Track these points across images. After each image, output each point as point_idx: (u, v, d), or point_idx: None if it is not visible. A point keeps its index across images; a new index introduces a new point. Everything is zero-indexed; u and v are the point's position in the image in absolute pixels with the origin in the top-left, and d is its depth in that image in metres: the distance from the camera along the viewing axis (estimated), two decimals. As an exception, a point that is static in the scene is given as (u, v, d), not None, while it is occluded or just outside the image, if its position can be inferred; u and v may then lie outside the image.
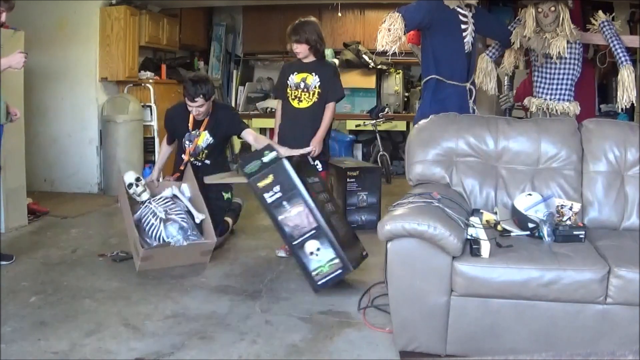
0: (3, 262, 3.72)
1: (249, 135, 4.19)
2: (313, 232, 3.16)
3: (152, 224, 3.72)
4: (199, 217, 3.88)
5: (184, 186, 4.04)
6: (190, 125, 4.15)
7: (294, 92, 3.95)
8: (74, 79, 6.09)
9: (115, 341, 2.70)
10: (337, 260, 3.16)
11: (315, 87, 3.91)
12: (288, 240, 3.24)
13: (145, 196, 3.89)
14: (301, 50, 3.88)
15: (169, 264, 3.66)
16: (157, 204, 3.83)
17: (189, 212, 3.90)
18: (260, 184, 3.22)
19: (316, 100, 3.92)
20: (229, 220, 4.41)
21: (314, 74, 3.92)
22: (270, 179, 3.20)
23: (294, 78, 3.94)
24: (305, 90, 3.92)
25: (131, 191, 3.90)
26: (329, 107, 3.94)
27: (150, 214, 3.76)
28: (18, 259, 3.86)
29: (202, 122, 4.16)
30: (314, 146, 3.85)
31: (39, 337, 2.72)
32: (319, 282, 3.19)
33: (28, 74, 5.02)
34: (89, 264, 3.84)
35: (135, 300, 3.20)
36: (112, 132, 6.03)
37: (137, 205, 3.89)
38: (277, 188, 3.20)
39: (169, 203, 3.87)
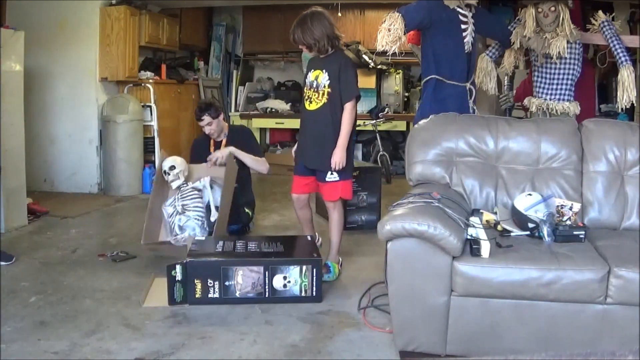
0: (3, 263, 3.72)
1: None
2: (267, 272, 3.13)
3: (170, 213, 3.94)
4: (214, 215, 3.95)
5: (216, 193, 4.10)
6: (211, 149, 4.47)
7: (307, 92, 3.56)
8: (74, 79, 6.09)
9: (115, 341, 2.70)
10: (305, 266, 3.16)
11: (324, 87, 3.45)
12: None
13: (175, 184, 4.03)
14: (305, 49, 3.55)
15: (172, 253, 3.75)
16: (182, 195, 3.96)
17: (208, 208, 3.99)
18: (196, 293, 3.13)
19: (325, 101, 3.45)
20: None
21: (324, 70, 3.48)
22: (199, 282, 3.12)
23: (310, 76, 3.55)
24: (315, 89, 3.50)
25: (165, 178, 4.08)
26: (346, 109, 3.43)
27: (172, 204, 3.96)
28: (18, 258, 3.86)
29: (221, 143, 4.47)
30: (335, 160, 3.40)
31: (39, 337, 2.72)
32: (315, 294, 3.18)
33: (28, 74, 5.02)
34: (89, 264, 3.84)
35: (135, 300, 3.20)
36: (112, 132, 6.04)
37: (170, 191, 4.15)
38: (210, 282, 3.12)
39: (194, 197, 3.97)
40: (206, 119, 4.38)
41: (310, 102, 3.51)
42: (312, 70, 3.55)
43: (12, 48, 4.58)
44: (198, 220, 3.90)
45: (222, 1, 7.83)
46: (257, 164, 4.45)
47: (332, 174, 3.46)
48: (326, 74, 3.46)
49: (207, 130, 4.45)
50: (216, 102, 4.80)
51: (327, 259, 3.57)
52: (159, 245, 3.99)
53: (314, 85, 3.50)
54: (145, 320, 2.94)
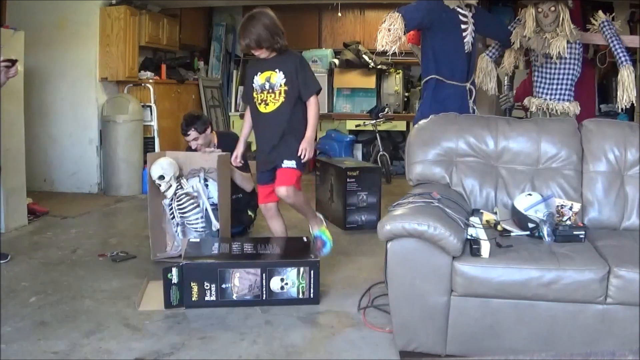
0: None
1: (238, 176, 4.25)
2: (264, 274, 3.12)
3: (173, 223, 3.90)
4: (216, 225, 3.88)
5: (212, 186, 3.97)
6: None
7: (260, 96, 3.41)
8: (74, 79, 6.09)
9: (115, 341, 2.70)
10: (303, 268, 3.15)
11: (280, 86, 3.36)
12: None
13: (170, 192, 3.83)
14: (259, 52, 3.37)
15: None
16: (179, 205, 3.84)
17: (207, 216, 3.90)
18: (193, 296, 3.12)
19: (283, 100, 3.37)
20: None
21: (277, 70, 3.36)
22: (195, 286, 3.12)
23: (258, 79, 3.41)
24: (270, 91, 3.38)
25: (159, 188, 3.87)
26: (311, 105, 3.41)
27: (170, 213, 3.88)
28: (18, 259, 3.86)
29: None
30: (304, 147, 3.39)
31: (39, 337, 2.72)
32: (312, 296, 3.18)
33: (28, 74, 5.02)
34: (89, 264, 3.84)
35: (135, 300, 3.20)
36: (112, 132, 6.04)
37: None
38: (206, 285, 3.12)
39: (192, 207, 3.86)
40: (192, 134, 4.19)
41: (267, 104, 3.41)
42: (259, 73, 3.41)
43: (12, 48, 4.57)
44: (202, 232, 3.86)
45: (222, 1, 7.83)
46: (244, 181, 4.30)
47: (290, 160, 3.40)
48: (280, 72, 3.37)
49: (193, 145, 4.23)
50: (204, 115, 4.53)
51: (313, 231, 3.64)
52: (170, 259, 3.85)
53: (267, 87, 3.39)
54: (145, 321, 2.94)
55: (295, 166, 3.42)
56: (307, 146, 3.40)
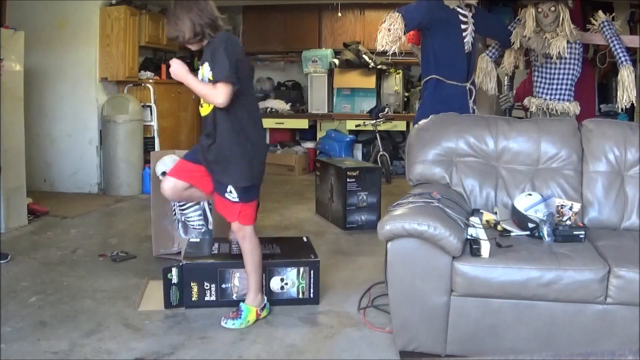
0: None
1: None
2: (264, 274, 3.10)
3: (174, 221, 3.93)
4: (212, 224, 3.89)
5: None
6: None
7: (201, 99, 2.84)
8: (74, 79, 6.09)
9: (115, 341, 2.70)
10: (302, 268, 3.16)
11: (208, 81, 2.70)
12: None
13: None
14: (190, 45, 2.81)
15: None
16: (180, 205, 3.87)
17: (205, 214, 3.92)
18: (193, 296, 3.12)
19: None
20: None
21: (204, 62, 2.75)
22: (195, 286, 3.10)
23: (199, 74, 2.79)
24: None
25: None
26: (216, 87, 2.64)
27: (173, 210, 3.91)
28: (18, 259, 3.86)
29: None
30: (174, 70, 2.74)
31: (39, 337, 2.72)
32: (312, 296, 3.18)
33: (28, 74, 5.02)
34: (89, 264, 3.84)
35: (135, 300, 3.20)
36: (112, 132, 6.04)
37: None
38: (206, 285, 3.13)
39: (193, 208, 3.88)
40: None
41: (201, 105, 2.86)
42: (201, 66, 2.78)
43: (12, 48, 4.58)
44: (200, 230, 3.88)
45: (222, 1, 7.81)
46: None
47: (230, 192, 2.80)
48: (206, 64, 2.72)
49: None
50: None
51: (245, 300, 2.97)
52: (174, 255, 3.90)
53: None
54: (145, 320, 2.94)
55: (238, 200, 2.81)
56: (177, 72, 2.75)
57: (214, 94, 2.65)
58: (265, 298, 3.04)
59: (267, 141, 8.36)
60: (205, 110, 2.83)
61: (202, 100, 2.82)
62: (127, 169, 6.10)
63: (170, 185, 2.92)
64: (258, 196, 2.96)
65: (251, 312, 2.92)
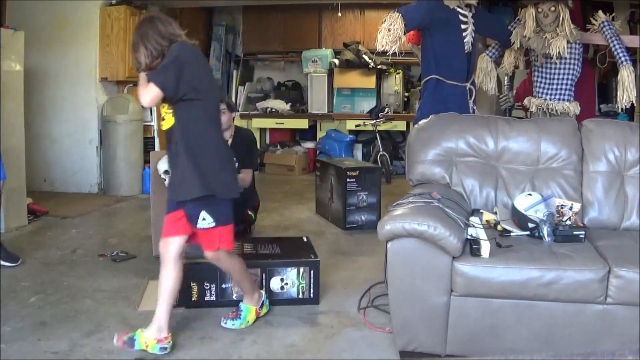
0: (6, 264, 3.70)
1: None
2: (264, 274, 3.12)
3: None
4: None
5: None
6: None
7: (162, 110, 2.69)
8: (74, 79, 6.09)
9: (115, 341, 2.70)
10: (302, 268, 3.15)
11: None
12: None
13: None
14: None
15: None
16: None
17: None
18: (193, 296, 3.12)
19: (171, 114, 2.63)
20: None
21: None
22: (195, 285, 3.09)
23: None
24: (163, 103, 2.65)
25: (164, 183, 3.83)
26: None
27: None
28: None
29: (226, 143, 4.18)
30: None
31: (39, 337, 2.72)
32: (312, 296, 3.18)
33: (28, 74, 5.02)
34: (89, 264, 3.84)
35: (135, 300, 3.20)
36: (112, 132, 6.04)
37: None
38: (206, 285, 3.10)
39: None
40: (222, 105, 3.70)
41: (163, 119, 2.68)
42: None
43: (12, 48, 4.58)
44: None
45: (222, 1, 7.83)
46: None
47: (204, 219, 2.62)
48: None
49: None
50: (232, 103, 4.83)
51: (243, 302, 2.95)
52: None
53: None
54: (145, 321, 2.93)
55: (214, 225, 2.65)
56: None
57: (141, 93, 2.54)
58: (264, 294, 3.04)
59: (267, 141, 8.37)
60: (167, 123, 2.65)
61: (163, 113, 2.66)
62: (127, 169, 6.10)
63: (176, 246, 2.70)
64: (232, 220, 2.74)
65: (250, 311, 2.92)
